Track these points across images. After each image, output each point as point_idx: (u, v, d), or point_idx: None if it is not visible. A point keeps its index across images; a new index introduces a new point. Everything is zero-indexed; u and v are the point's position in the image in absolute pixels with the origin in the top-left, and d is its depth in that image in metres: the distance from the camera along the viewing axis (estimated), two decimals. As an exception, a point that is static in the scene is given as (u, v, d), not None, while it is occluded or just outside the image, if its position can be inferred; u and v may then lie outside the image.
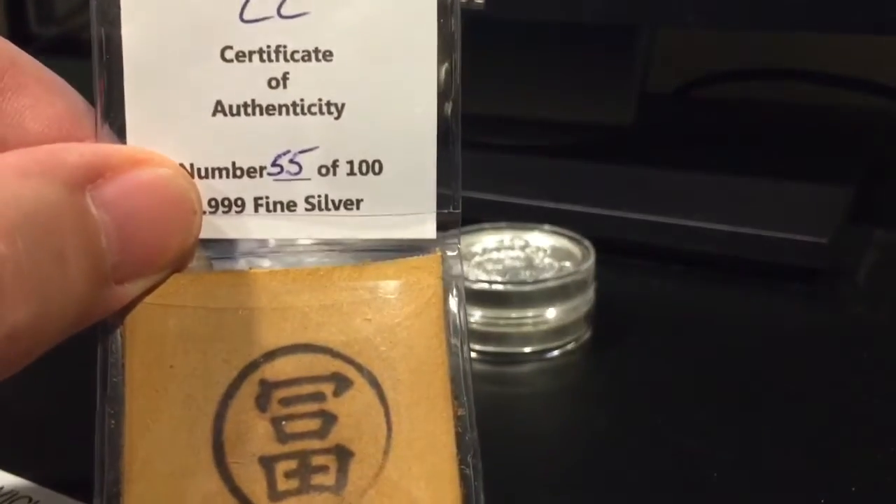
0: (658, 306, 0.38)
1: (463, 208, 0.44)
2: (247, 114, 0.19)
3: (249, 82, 0.18)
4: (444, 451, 0.18)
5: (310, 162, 0.19)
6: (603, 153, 0.49)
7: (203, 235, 0.19)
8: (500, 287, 0.33)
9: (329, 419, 0.18)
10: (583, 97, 0.54)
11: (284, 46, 0.18)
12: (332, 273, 0.19)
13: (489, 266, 0.36)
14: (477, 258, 0.36)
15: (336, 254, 0.19)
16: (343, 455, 0.18)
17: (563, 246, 0.37)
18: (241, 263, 0.19)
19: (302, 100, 0.19)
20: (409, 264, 0.19)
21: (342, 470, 0.18)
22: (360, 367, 0.18)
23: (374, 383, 0.18)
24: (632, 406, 0.31)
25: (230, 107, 0.19)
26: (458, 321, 0.19)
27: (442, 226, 0.19)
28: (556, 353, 0.34)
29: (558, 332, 0.34)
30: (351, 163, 0.19)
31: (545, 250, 0.37)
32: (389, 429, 0.18)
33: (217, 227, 0.19)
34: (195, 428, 0.17)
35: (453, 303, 0.19)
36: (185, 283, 0.18)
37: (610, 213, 0.41)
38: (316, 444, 0.18)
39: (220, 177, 0.19)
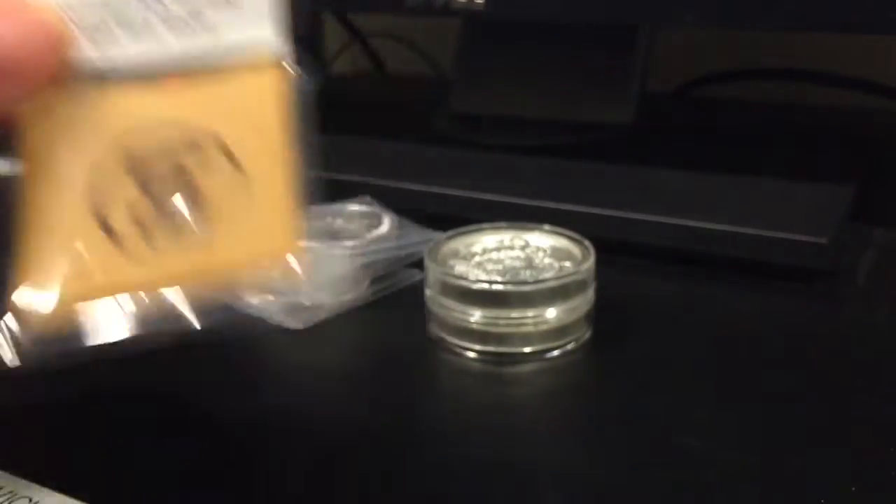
0: (658, 306, 0.38)
1: (463, 208, 0.44)
2: None
3: None
4: (282, 185, 0.23)
5: None
6: (603, 153, 0.49)
7: (70, 56, 0.21)
8: (500, 287, 0.33)
9: (186, 174, 0.22)
10: (583, 97, 0.54)
11: None
12: (188, 73, 0.23)
13: (489, 266, 0.36)
14: (477, 258, 0.36)
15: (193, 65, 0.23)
16: (198, 200, 0.22)
17: (563, 246, 0.37)
18: (107, 82, 0.22)
19: None
20: (254, 59, 0.23)
21: (198, 211, 0.22)
22: (212, 133, 0.23)
23: (224, 145, 0.23)
24: (632, 406, 0.31)
25: None
26: (290, 99, 0.23)
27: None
28: (556, 353, 0.34)
29: (558, 332, 0.34)
30: None
31: (545, 250, 0.37)
32: (240, 175, 0.23)
33: (83, 47, 0.21)
34: (74, 190, 0.22)
35: (287, 85, 0.23)
36: (62, 95, 0.21)
37: (610, 213, 0.42)
38: (176, 191, 0.22)
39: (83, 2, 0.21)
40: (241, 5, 0.23)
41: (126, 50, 0.22)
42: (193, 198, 0.22)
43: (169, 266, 0.22)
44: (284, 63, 0.23)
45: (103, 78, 0.22)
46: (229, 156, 0.23)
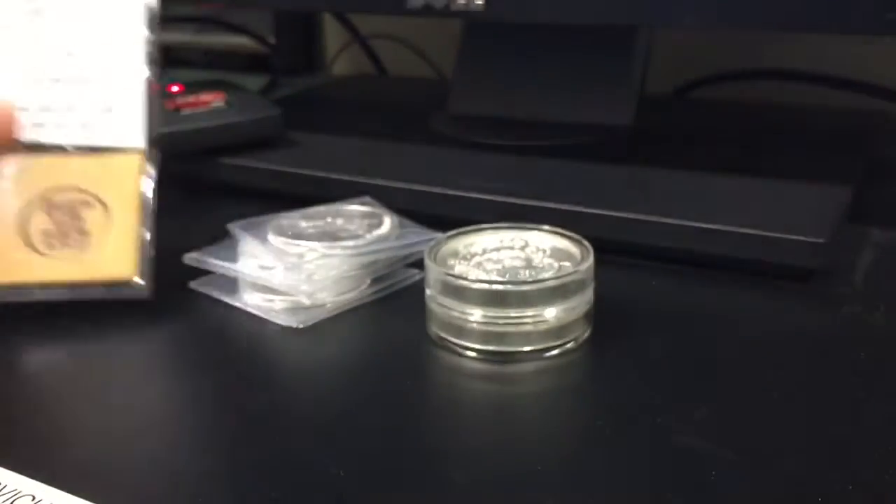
0: (658, 306, 0.38)
1: (463, 208, 0.45)
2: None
3: None
4: (134, 233, 0.38)
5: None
6: (603, 153, 0.49)
7: (18, 133, 0.39)
8: (499, 287, 0.33)
9: (81, 218, 0.38)
10: (583, 97, 0.54)
11: None
12: (86, 152, 0.40)
13: (489, 266, 0.36)
14: (477, 258, 0.36)
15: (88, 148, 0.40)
16: (86, 234, 0.38)
17: (562, 246, 0.37)
18: (36, 152, 0.40)
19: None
20: (127, 152, 0.40)
21: (86, 240, 0.38)
22: (96, 196, 0.38)
23: (103, 203, 0.38)
24: (632, 406, 0.31)
25: None
26: (147, 184, 0.39)
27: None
28: (555, 352, 0.34)
29: (558, 331, 0.34)
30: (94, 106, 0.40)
31: (545, 250, 0.37)
32: (109, 223, 0.38)
33: (26, 130, 0.40)
34: (7, 220, 0.38)
35: (148, 174, 0.39)
36: (9, 157, 0.39)
37: (610, 213, 0.42)
38: (74, 228, 0.38)
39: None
40: (122, 121, 0.40)
41: (50, 135, 0.40)
42: (81, 230, 0.38)
43: (62, 270, 0.37)
44: (143, 152, 0.39)
45: (34, 150, 0.39)
46: (104, 206, 0.38)
